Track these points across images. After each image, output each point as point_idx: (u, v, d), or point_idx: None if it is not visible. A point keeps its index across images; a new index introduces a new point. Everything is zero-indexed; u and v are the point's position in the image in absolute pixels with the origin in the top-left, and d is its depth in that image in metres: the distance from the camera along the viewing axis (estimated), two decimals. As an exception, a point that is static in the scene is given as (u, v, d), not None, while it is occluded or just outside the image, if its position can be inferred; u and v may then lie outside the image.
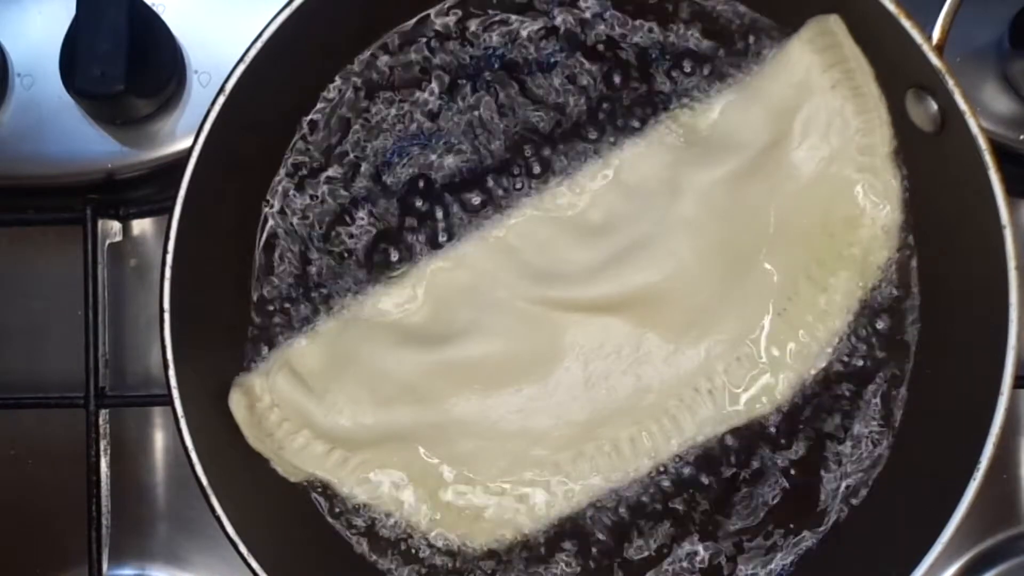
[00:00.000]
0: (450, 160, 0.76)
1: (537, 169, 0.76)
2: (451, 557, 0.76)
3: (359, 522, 0.76)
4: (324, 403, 0.72)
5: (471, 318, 0.72)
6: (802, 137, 0.72)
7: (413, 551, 0.76)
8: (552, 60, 0.76)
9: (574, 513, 0.75)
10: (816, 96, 0.72)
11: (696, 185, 0.71)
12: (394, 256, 0.76)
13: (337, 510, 0.76)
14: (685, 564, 0.76)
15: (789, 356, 0.74)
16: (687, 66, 0.75)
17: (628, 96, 0.76)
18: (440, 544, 0.75)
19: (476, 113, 0.76)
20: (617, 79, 0.76)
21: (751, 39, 0.75)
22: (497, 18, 0.76)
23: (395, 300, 0.73)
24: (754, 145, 0.72)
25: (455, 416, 0.73)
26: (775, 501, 0.76)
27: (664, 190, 0.71)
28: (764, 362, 0.74)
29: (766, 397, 0.74)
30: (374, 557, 0.76)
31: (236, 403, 0.73)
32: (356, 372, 0.72)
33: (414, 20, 0.76)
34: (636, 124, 0.75)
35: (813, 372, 0.75)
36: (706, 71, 0.75)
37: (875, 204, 0.73)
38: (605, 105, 0.76)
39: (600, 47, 0.76)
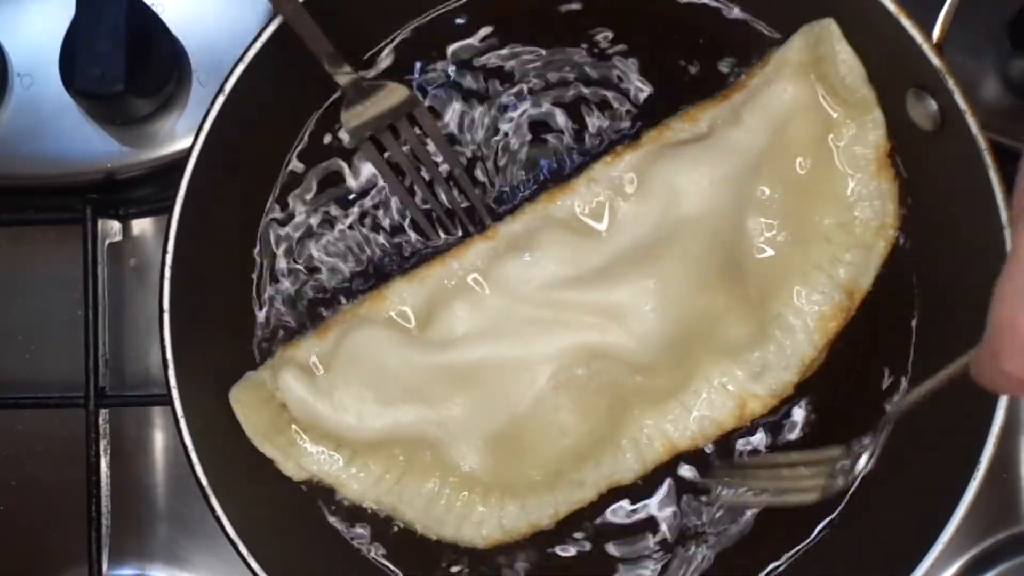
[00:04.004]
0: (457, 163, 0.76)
1: (540, 174, 0.76)
2: (454, 559, 0.76)
3: (361, 522, 0.76)
4: (331, 401, 0.72)
5: (474, 320, 0.72)
6: (797, 142, 0.73)
7: (414, 552, 0.76)
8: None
9: (576, 516, 0.75)
10: (811, 101, 0.72)
11: (694, 189, 0.71)
12: (399, 256, 0.76)
13: (339, 510, 0.76)
14: (691, 563, 0.76)
15: (787, 358, 0.74)
16: (685, 74, 0.76)
17: (627, 102, 0.76)
18: (443, 545, 0.75)
19: (478, 119, 0.76)
20: (616, 85, 0.76)
21: (747, 46, 0.75)
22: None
23: (399, 301, 0.73)
24: (750, 151, 0.72)
25: (458, 418, 0.73)
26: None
27: (664, 193, 0.72)
28: (761, 365, 0.74)
29: (764, 400, 0.74)
30: (375, 557, 0.76)
31: (239, 401, 0.73)
32: (361, 372, 0.72)
33: (418, 20, 0.77)
34: (635, 130, 0.75)
35: (812, 373, 0.75)
36: (703, 78, 0.75)
37: (871, 207, 0.73)
38: (605, 111, 0.76)
39: (599, 54, 0.76)
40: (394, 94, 0.74)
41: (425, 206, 0.76)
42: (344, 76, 0.73)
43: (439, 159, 0.76)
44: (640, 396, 0.73)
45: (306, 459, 0.74)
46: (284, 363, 0.73)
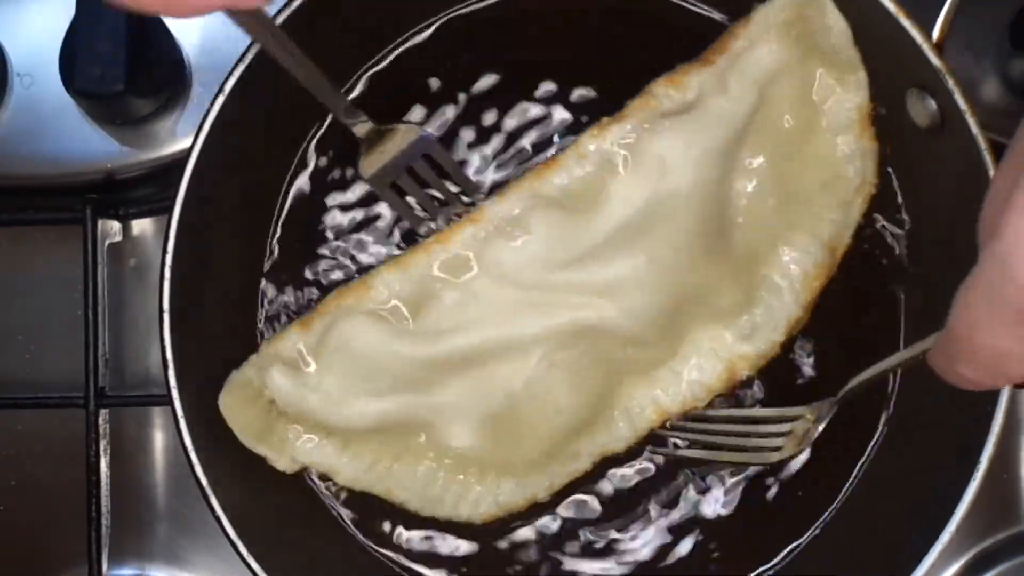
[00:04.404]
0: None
1: (526, 152, 0.76)
2: (455, 545, 0.76)
3: (358, 512, 0.76)
4: (320, 394, 0.71)
5: (464, 307, 0.71)
6: (782, 105, 0.72)
7: (413, 539, 0.76)
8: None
9: (574, 492, 0.76)
10: (795, 62, 0.71)
11: (684, 162, 0.70)
12: (392, 243, 0.76)
13: (334, 498, 0.76)
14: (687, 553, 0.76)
15: (775, 320, 0.74)
16: (666, 41, 0.75)
17: (609, 76, 0.76)
18: (441, 531, 0.76)
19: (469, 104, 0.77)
20: (598, 59, 0.76)
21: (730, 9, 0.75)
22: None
23: (386, 290, 0.71)
24: (737, 117, 0.71)
25: (452, 402, 0.72)
26: (768, 499, 0.76)
27: (654, 167, 0.71)
28: (750, 328, 0.74)
29: (751, 360, 0.74)
30: (376, 549, 0.76)
31: (228, 406, 0.72)
32: (350, 363, 0.71)
33: (420, 27, 0.77)
34: (620, 103, 0.74)
35: (797, 332, 0.75)
36: (686, 43, 0.74)
37: (853, 167, 0.73)
38: (588, 87, 0.76)
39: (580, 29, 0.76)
40: (408, 135, 0.74)
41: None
42: (362, 127, 0.73)
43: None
44: (631, 367, 0.73)
45: (298, 451, 0.73)
46: (269, 359, 0.72)
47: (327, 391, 0.72)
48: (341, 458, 0.73)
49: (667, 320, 0.72)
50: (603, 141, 0.71)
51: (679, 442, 0.76)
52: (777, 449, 0.73)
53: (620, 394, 0.74)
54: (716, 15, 0.76)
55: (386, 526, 0.76)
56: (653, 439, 0.75)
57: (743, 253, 0.73)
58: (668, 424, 0.75)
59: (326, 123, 0.77)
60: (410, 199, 0.76)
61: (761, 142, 0.72)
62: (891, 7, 0.67)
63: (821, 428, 0.72)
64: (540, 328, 0.71)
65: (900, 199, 0.75)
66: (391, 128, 0.74)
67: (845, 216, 0.74)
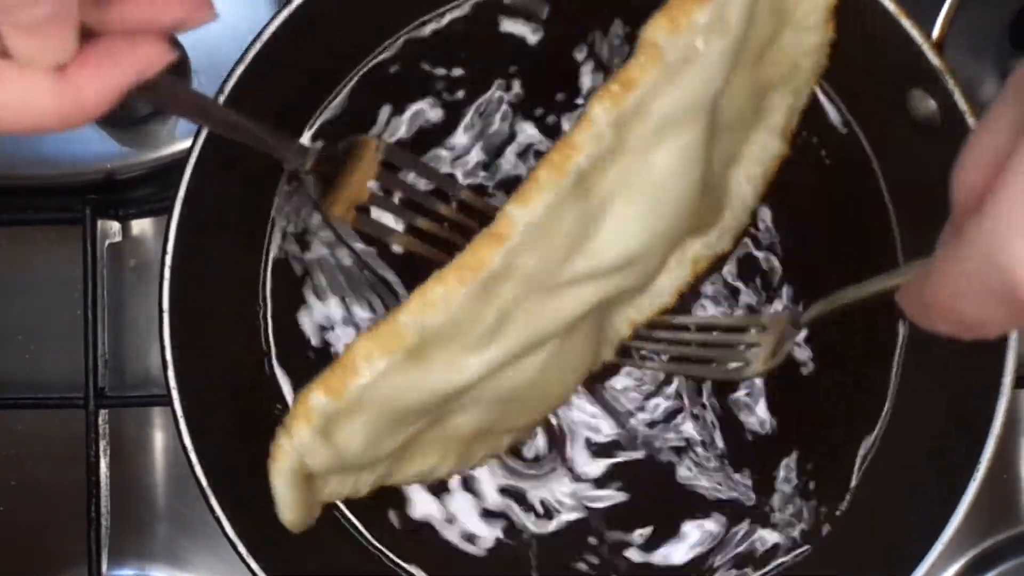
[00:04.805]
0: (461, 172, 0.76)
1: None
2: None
3: (360, 510, 0.76)
4: (353, 449, 0.67)
5: (500, 324, 0.65)
6: (762, 18, 0.68)
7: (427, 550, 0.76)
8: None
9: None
10: None
11: (692, 120, 0.65)
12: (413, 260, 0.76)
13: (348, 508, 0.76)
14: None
15: (738, 218, 0.75)
16: None
17: (607, 42, 0.76)
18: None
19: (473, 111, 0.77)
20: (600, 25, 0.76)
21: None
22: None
23: (416, 330, 0.64)
24: (732, 51, 0.65)
25: (465, 401, 0.69)
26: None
27: (662, 130, 0.65)
28: (718, 236, 0.75)
29: (710, 258, 0.75)
30: (384, 555, 0.76)
31: (296, 523, 0.68)
32: (383, 415, 0.66)
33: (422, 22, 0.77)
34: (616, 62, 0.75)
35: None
36: None
37: (810, 59, 0.72)
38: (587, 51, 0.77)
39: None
40: (363, 150, 0.71)
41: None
42: (310, 159, 0.68)
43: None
44: (620, 305, 0.74)
45: (323, 496, 0.71)
46: (307, 443, 0.65)
47: (360, 443, 0.67)
48: (357, 483, 0.71)
49: (661, 262, 0.72)
50: (615, 114, 0.63)
51: (644, 353, 0.76)
52: (745, 364, 0.73)
53: (607, 329, 0.74)
54: None
55: (391, 518, 0.76)
56: (621, 351, 0.76)
57: (716, 166, 0.72)
58: (635, 332, 0.76)
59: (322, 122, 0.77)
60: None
61: (746, 63, 0.69)
62: (891, 7, 0.67)
63: (788, 348, 0.72)
64: (563, 322, 0.67)
65: (900, 198, 0.75)
66: (342, 148, 0.70)
67: (795, 101, 0.74)
